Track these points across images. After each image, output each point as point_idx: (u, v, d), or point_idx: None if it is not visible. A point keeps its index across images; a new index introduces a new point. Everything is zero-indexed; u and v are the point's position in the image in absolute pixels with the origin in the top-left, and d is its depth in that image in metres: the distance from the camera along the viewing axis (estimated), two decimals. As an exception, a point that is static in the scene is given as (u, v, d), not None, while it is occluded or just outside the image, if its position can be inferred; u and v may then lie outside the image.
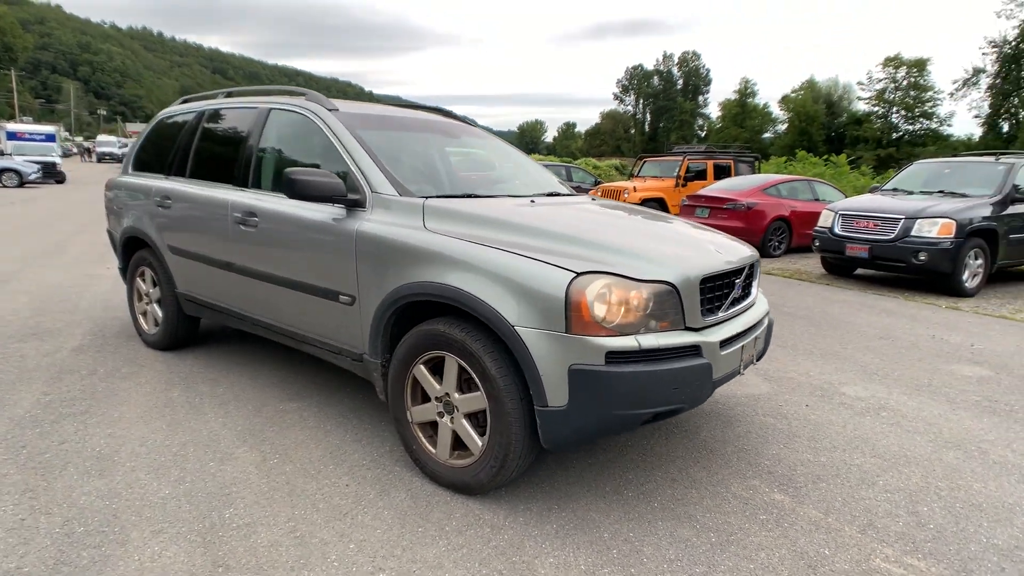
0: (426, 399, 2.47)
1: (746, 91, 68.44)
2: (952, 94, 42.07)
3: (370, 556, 1.99)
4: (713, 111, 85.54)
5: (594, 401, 2.04)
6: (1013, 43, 37.61)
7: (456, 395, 2.32)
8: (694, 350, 2.16)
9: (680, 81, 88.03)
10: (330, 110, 3.02)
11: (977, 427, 3.18)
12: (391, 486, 2.42)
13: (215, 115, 3.65)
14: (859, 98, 52.40)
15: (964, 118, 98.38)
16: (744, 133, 61.12)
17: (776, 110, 62.89)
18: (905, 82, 47.46)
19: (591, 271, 2.06)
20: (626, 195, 12.30)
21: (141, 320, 4.15)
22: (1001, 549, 2.14)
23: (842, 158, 19.87)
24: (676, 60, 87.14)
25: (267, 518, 2.18)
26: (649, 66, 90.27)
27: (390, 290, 2.44)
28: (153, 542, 2.02)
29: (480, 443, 2.27)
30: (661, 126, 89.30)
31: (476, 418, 2.31)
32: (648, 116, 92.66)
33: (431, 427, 2.49)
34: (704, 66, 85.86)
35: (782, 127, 61.02)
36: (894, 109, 48.93)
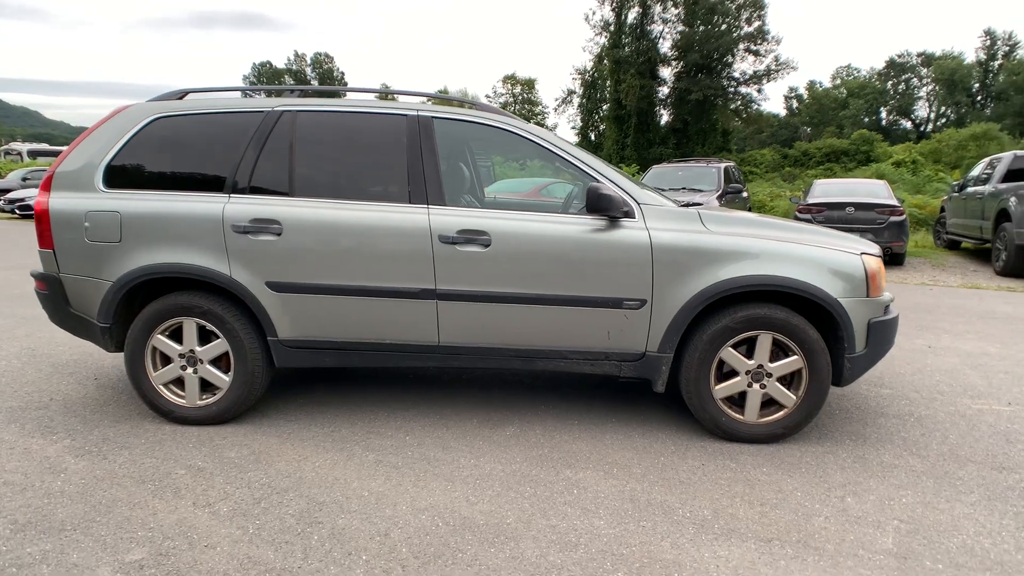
0: (726, 377, 2.96)
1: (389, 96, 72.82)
2: (555, 109, 53.66)
3: (883, 512, 2.51)
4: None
5: (878, 344, 2.97)
6: (591, 71, 49.91)
7: (769, 364, 2.91)
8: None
9: (315, 82, 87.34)
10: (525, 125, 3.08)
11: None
12: (738, 458, 2.85)
13: (317, 120, 3.09)
14: (487, 109, 61.72)
15: (564, 128, 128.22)
16: (392, 137, 64.99)
17: (417, 116, 68.79)
18: (521, 97, 58.31)
19: (863, 252, 2.96)
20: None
21: (166, 392, 3.10)
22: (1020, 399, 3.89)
23: (537, 163, 23.82)
24: (309, 60, 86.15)
25: (733, 519, 2.43)
26: (279, 64, 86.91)
27: (701, 288, 2.83)
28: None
29: (793, 397, 2.93)
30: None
31: (784, 379, 2.95)
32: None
33: (729, 400, 2.99)
34: (339, 69, 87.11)
35: (424, 132, 66.93)
36: (515, 120, 59.58)
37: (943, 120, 53.23)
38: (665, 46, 43.64)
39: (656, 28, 43.30)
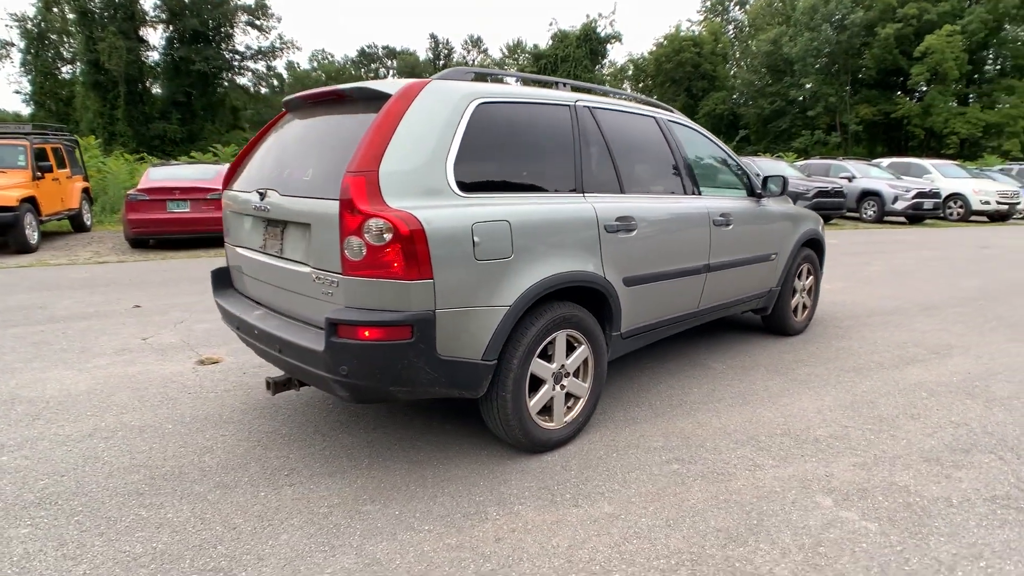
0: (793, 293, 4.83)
1: None
2: (-18, 64, 40.00)
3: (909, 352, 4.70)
4: None
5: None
6: (36, 20, 39.63)
7: (805, 282, 4.92)
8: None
9: None
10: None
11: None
12: (809, 354, 4.75)
13: (609, 118, 3.31)
14: None
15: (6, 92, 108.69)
16: None
17: None
18: (-90, 41, 40.85)
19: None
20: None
21: (540, 421, 2.89)
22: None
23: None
24: None
25: (873, 392, 4.31)
26: None
27: (796, 239, 4.58)
28: None
29: (808, 301, 5.04)
30: None
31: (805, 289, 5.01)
32: None
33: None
34: None
35: None
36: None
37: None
38: (148, 4, 38.62)
39: (135, -19, 37.67)
